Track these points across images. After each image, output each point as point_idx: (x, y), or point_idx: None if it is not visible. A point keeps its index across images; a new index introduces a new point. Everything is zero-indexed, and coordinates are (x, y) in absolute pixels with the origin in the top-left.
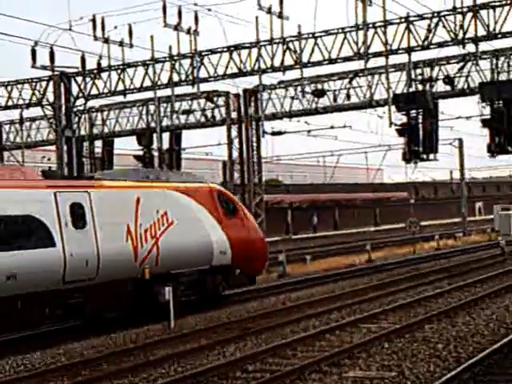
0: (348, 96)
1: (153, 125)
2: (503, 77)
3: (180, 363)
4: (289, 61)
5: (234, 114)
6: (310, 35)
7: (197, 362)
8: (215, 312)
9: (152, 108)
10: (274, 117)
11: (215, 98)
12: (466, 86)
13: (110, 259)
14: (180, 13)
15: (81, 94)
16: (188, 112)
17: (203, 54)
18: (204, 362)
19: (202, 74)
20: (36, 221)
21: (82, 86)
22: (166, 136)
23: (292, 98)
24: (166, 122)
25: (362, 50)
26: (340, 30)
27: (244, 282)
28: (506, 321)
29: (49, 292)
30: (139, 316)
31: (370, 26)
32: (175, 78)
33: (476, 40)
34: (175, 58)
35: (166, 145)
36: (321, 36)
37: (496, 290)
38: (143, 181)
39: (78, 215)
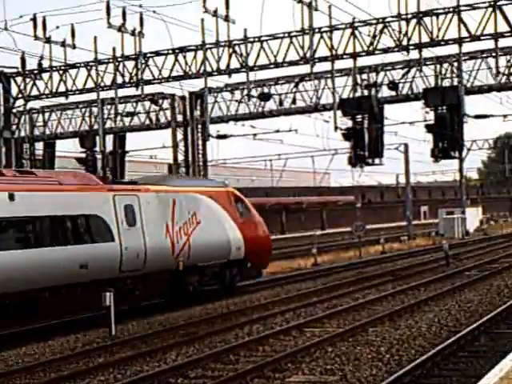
0: (294, 100)
1: (96, 127)
2: (447, 83)
3: (120, 370)
4: (235, 64)
5: (179, 117)
6: (256, 39)
7: (137, 369)
8: (158, 317)
9: (95, 110)
10: (220, 120)
11: (160, 101)
12: (410, 92)
13: (154, 253)
14: (124, 14)
15: (20, 95)
16: (132, 114)
17: (148, 55)
18: (145, 369)
19: (147, 76)
20: (100, 219)
21: (22, 87)
22: (109, 138)
23: (238, 101)
24: (109, 124)
25: (307, 55)
26: (286, 35)
27: (253, 274)
28: (448, 324)
29: (109, 279)
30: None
31: (316, 30)
32: (119, 79)
33: (420, 46)
34: (119, 59)
35: (109, 147)
36: (267, 40)
37: (439, 293)
38: (177, 186)
39: (130, 215)
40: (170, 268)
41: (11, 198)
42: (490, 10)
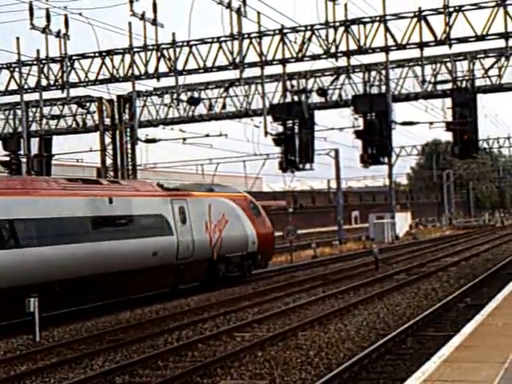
0: (224, 105)
1: (20, 129)
2: (375, 90)
3: (44, 378)
4: (163, 68)
5: (107, 120)
6: (185, 43)
7: (62, 377)
8: (84, 323)
9: (20, 112)
10: (149, 124)
11: (88, 104)
12: (339, 99)
13: (199, 245)
14: (48, 15)
15: None
16: (58, 117)
17: (74, 58)
18: (70, 376)
19: (73, 78)
20: (164, 218)
21: None
22: (35, 142)
23: (167, 105)
24: (35, 127)
25: (237, 60)
26: (215, 40)
27: (262, 265)
28: (376, 327)
29: (170, 265)
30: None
31: (245, 36)
32: (44, 82)
33: (348, 54)
34: (43, 61)
35: (35, 150)
36: (196, 44)
37: (368, 297)
38: (211, 192)
39: (182, 215)
40: (208, 257)
41: (110, 201)
42: (416, 19)
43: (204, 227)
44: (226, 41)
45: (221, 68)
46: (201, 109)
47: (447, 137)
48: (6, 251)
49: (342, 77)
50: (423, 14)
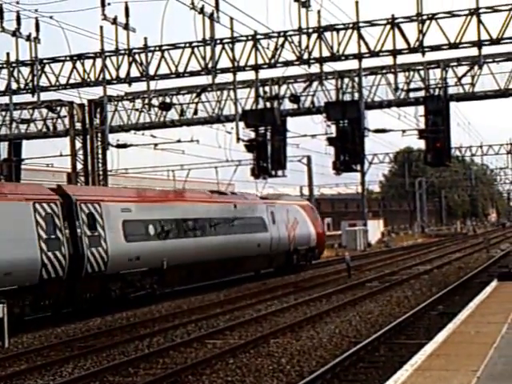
0: (196, 111)
1: None
2: (348, 97)
3: None
4: (135, 73)
5: (78, 125)
6: (157, 48)
7: (31, 383)
8: (54, 330)
9: None
10: (120, 129)
11: (59, 108)
12: (312, 105)
13: (282, 240)
14: (19, 18)
15: None
16: (28, 121)
17: (44, 61)
18: (39, 383)
19: (44, 82)
20: (262, 219)
21: None
22: (4, 146)
23: (138, 110)
24: (4, 131)
25: (209, 65)
26: (188, 45)
27: (317, 257)
28: (348, 334)
29: (266, 255)
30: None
31: (218, 42)
32: (14, 85)
33: (321, 61)
34: (13, 64)
35: (4, 155)
36: (168, 49)
37: (340, 305)
38: (287, 200)
39: (272, 217)
40: (287, 249)
41: (235, 206)
42: (389, 27)
43: (285, 227)
44: (198, 46)
45: (193, 73)
46: (172, 114)
47: (420, 144)
48: (188, 239)
49: (315, 83)
50: (396, 21)
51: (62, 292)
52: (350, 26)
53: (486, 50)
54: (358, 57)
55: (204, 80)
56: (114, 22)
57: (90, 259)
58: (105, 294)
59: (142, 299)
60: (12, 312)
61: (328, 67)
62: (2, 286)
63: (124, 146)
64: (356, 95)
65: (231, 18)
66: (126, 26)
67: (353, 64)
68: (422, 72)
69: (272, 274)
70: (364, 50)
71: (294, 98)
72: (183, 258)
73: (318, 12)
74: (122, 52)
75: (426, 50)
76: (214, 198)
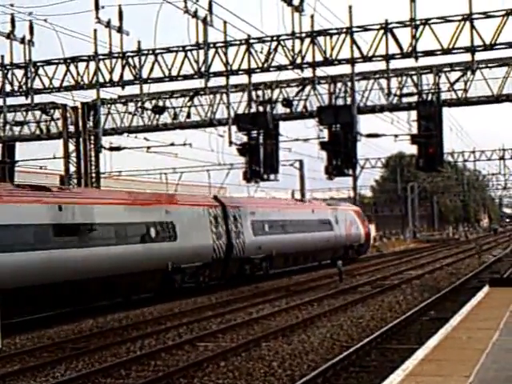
0: (189, 114)
1: None
2: (340, 102)
3: None
4: (128, 76)
5: (71, 128)
6: (150, 51)
7: None
8: (47, 331)
9: None
10: (113, 132)
11: (52, 111)
12: (304, 110)
13: (341, 237)
14: (13, 21)
15: None
16: (22, 123)
17: (38, 64)
18: None
19: (37, 85)
20: (329, 221)
21: None
22: None
23: (131, 113)
24: None
25: (202, 69)
26: (181, 48)
27: (364, 252)
28: (340, 339)
29: (332, 248)
30: None
31: (211, 45)
32: (8, 87)
33: (313, 65)
34: (7, 67)
35: None
36: (161, 53)
37: (332, 309)
38: (345, 206)
39: (336, 219)
40: (344, 245)
41: (313, 211)
42: (382, 32)
43: (344, 227)
44: (191, 50)
45: (186, 77)
46: (165, 117)
47: (412, 150)
48: (288, 235)
49: (308, 88)
50: (390, 26)
51: (221, 269)
52: (343, 30)
53: (479, 55)
54: (351, 61)
55: (197, 84)
56: (108, 25)
57: (235, 247)
58: (240, 273)
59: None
60: (197, 280)
61: (321, 72)
62: (196, 262)
63: (117, 148)
64: (349, 100)
65: (224, 22)
66: (120, 29)
67: (346, 68)
68: (414, 77)
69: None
70: (357, 54)
71: (287, 103)
72: (285, 248)
73: (312, 16)
74: (116, 55)
75: (419, 55)
76: (300, 205)
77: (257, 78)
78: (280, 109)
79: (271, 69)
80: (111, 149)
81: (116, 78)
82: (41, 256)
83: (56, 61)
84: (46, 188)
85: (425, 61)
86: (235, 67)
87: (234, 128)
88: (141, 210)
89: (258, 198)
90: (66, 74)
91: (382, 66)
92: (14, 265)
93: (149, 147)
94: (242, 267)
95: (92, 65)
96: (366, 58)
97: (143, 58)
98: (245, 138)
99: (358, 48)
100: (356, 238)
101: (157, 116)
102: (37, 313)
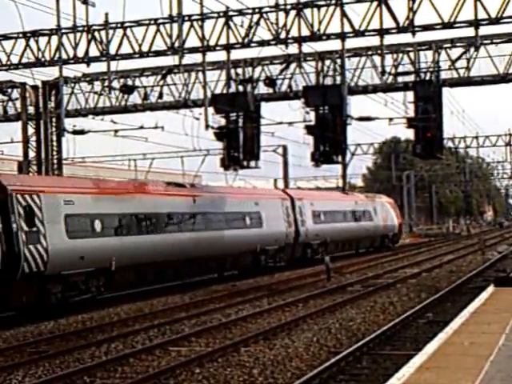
0: (161, 94)
1: None
2: (329, 81)
3: None
4: (94, 52)
5: (31, 109)
6: (119, 25)
7: None
8: (3, 333)
9: None
10: (77, 113)
11: (9, 90)
12: (289, 89)
13: (380, 227)
14: None
15: None
16: None
17: None
18: None
19: None
20: (370, 211)
21: None
22: None
23: (97, 93)
24: None
25: (176, 45)
26: (152, 22)
27: (397, 241)
28: (327, 344)
29: (372, 236)
30: None
31: (186, 18)
32: None
33: (299, 40)
34: None
35: None
36: (131, 26)
37: (319, 310)
38: (381, 198)
39: (375, 210)
40: (381, 234)
41: (356, 202)
42: (376, 3)
43: (381, 218)
44: (164, 23)
45: (158, 53)
46: (135, 98)
47: (408, 134)
48: (340, 224)
49: (293, 65)
50: None
51: (290, 252)
52: (333, 2)
53: (484, 30)
54: (341, 36)
55: (170, 61)
56: None
57: (301, 234)
58: (303, 256)
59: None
60: (275, 260)
61: (307, 47)
62: (274, 245)
63: (81, 132)
64: (338, 79)
65: None
66: (85, 1)
67: (335, 44)
68: (411, 54)
69: (371, 252)
70: (348, 28)
71: (270, 82)
72: (336, 235)
73: None
74: (80, 29)
75: (417, 29)
76: (346, 196)
77: (236, 54)
78: (262, 88)
79: (252, 44)
80: (75, 132)
81: (81, 54)
82: (190, 236)
83: (14, 35)
84: (183, 185)
85: (423, 36)
86: (212, 42)
87: (210, 110)
88: (241, 201)
89: (315, 191)
90: (25, 50)
91: (375, 41)
92: (179, 241)
93: (116, 130)
94: (305, 251)
95: (54, 39)
96: (358, 33)
97: (111, 32)
98: (223, 121)
99: (349, 21)
100: (391, 228)
101: (125, 96)
102: (179, 280)
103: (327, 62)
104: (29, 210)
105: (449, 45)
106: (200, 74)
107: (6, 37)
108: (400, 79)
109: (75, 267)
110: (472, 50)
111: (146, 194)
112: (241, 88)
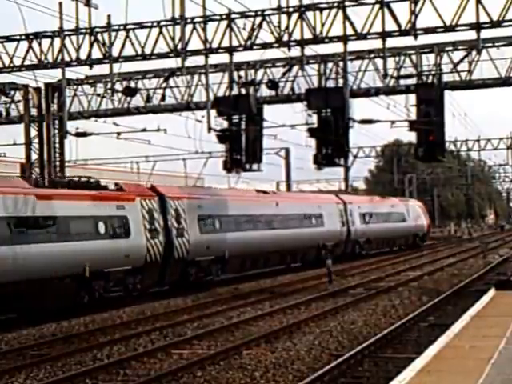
0: (163, 97)
1: None
2: (331, 84)
3: None
4: (97, 54)
5: (33, 111)
6: (122, 27)
7: None
8: (5, 336)
9: None
10: (80, 116)
11: (12, 92)
12: (291, 92)
13: (412, 228)
14: None
15: None
16: None
17: None
18: None
19: None
20: (403, 214)
21: None
22: None
23: (100, 95)
24: None
25: (179, 47)
26: (155, 24)
27: (426, 240)
28: (329, 346)
29: (406, 236)
30: None
31: (189, 21)
32: None
33: (302, 43)
34: None
35: None
36: (133, 29)
37: (320, 313)
38: (412, 202)
39: (407, 212)
40: (413, 234)
41: (392, 206)
42: (378, 6)
43: (413, 219)
44: (166, 25)
45: (160, 55)
46: (137, 100)
47: (410, 137)
48: (383, 224)
49: (295, 68)
50: (386, 0)
51: (343, 248)
52: (335, 5)
53: (486, 33)
54: (344, 39)
55: (172, 63)
56: None
57: (351, 232)
58: (353, 252)
59: None
60: (333, 255)
61: (310, 50)
62: (332, 242)
63: (84, 134)
64: (340, 82)
65: None
66: (88, 3)
67: (337, 47)
68: (413, 57)
69: (401, 250)
70: (350, 31)
71: (272, 84)
72: (378, 234)
73: None
74: (83, 31)
75: (419, 32)
76: (385, 200)
77: (239, 57)
78: (264, 91)
79: (255, 47)
80: (77, 134)
81: (83, 56)
82: (274, 233)
83: (17, 37)
84: (266, 191)
85: (425, 39)
86: (215, 45)
87: (213, 112)
88: (308, 205)
89: (360, 196)
90: (28, 52)
91: (377, 44)
92: (268, 237)
93: (119, 133)
94: (354, 247)
95: (57, 41)
96: (360, 36)
97: (113, 34)
98: (225, 124)
99: (352, 24)
100: (421, 228)
101: (128, 99)
102: (267, 268)
103: (329, 65)
104: (177, 212)
105: (451, 48)
106: (203, 77)
107: (8, 39)
108: (402, 82)
109: (204, 255)
110: (474, 53)
111: (247, 201)
112: (243, 90)
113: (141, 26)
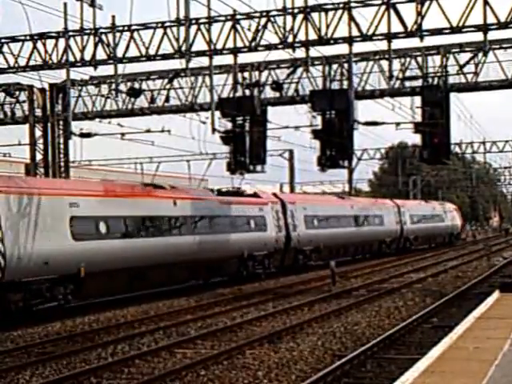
0: (167, 98)
1: None
2: (336, 85)
3: None
4: (101, 55)
5: (38, 111)
6: (126, 28)
7: None
8: (11, 334)
9: None
10: (84, 116)
11: (17, 92)
12: (295, 94)
13: (448, 227)
14: None
15: None
16: None
17: (2, 41)
18: None
19: (1, 63)
20: (441, 215)
21: None
22: None
23: (104, 96)
24: None
25: (183, 48)
26: (160, 25)
27: (459, 238)
28: (332, 347)
29: (442, 234)
30: None
31: (193, 22)
32: None
33: (306, 44)
34: None
35: None
36: (138, 29)
37: (324, 314)
38: (443, 204)
39: (445, 214)
40: (449, 233)
41: (434, 208)
42: (384, 8)
43: (450, 220)
44: (171, 26)
45: (165, 56)
46: (142, 101)
47: (415, 139)
48: (419, 224)
49: (300, 70)
50: (392, 1)
51: (397, 243)
52: (340, 6)
53: (493, 34)
54: (349, 40)
55: (177, 64)
56: None
57: (404, 230)
58: (404, 247)
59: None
60: (389, 248)
61: (315, 52)
62: (389, 238)
63: (88, 135)
64: (345, 83)
65: None
66: (93, 3)
67: (342, 48)
68: (419, 59)
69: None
70: (355, 33)
71: (276, 86)
72: (423, 232)
73: None
74: (88, 32)
75: (425, 34)
76: (427, 203)
77: (243, 58)
78: (269, 93)
79: (259, 48)
80: (82, 135)
81: (88, 56)
82: (348, 230)
83: (22, 37)
84: (342, 196)
85: (431, 40)
86: (219, 46)
87: (217, 114)
88: (373, 208)
89: (411, 200)
90: (32, 52)
91: (383, 45)
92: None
93: (123, 134)
94: (405, 243)
95: (61, 42)
96: (366, 37)
97: (118, 34)
98: (229, 125)
99: (357, 25)
100: (455, 227)
101: (132, 99)
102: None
103: (334, 67)
104: (292, 213)
105: (457, 49)
106: (207, 78)
107: (13, 39)
108: (407, 84)
109: (307, 245)
110: (480, 54)
111: (333, 204)
112: (247, 92)
113: (145, 26)
